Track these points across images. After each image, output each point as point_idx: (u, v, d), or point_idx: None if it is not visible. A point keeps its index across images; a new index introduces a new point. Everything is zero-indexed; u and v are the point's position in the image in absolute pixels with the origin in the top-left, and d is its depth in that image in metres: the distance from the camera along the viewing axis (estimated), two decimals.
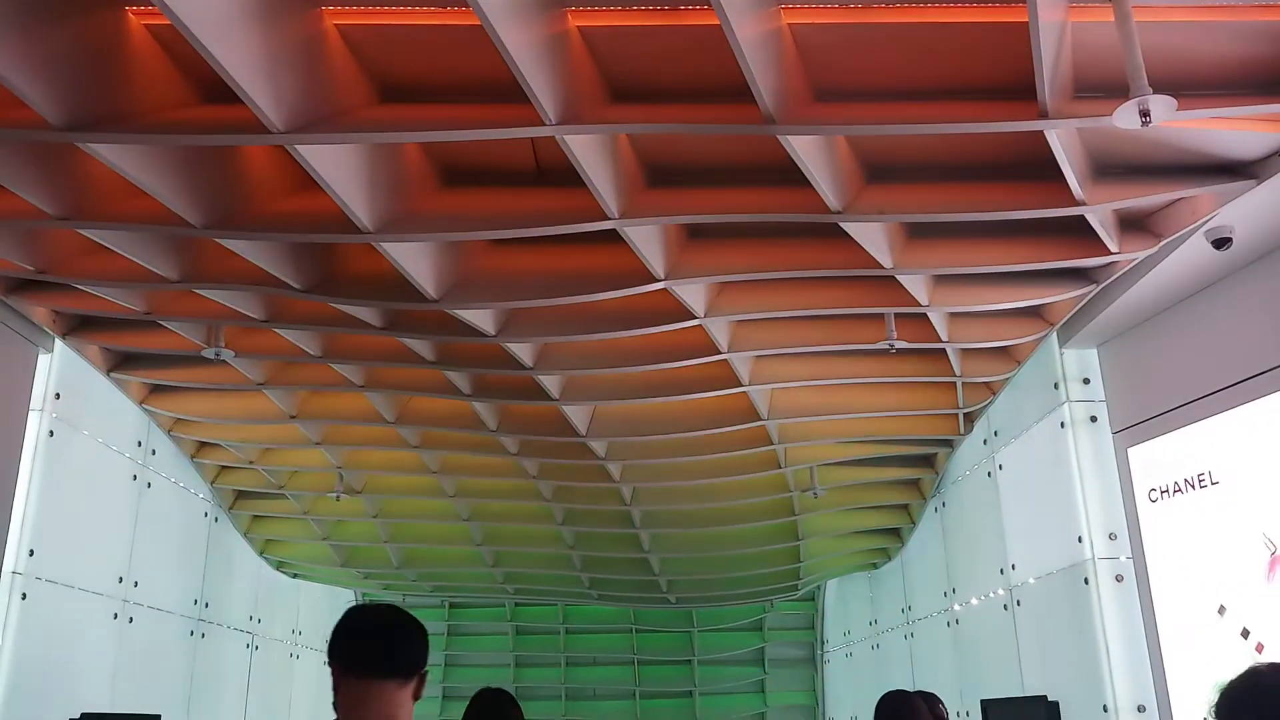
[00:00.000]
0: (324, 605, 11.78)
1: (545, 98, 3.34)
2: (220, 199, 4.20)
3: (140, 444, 7.49)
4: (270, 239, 4.52)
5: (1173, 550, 5.68)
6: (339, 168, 3.80)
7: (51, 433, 6.38)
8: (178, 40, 3.18)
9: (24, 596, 6.03)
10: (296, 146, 3.56)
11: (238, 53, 3.10)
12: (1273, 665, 2.43)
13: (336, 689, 1.98)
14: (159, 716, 7.22)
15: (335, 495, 8.54)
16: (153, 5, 2.87)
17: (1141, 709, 5.80)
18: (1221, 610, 5.31)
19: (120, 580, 7.16)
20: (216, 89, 3.55)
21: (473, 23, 3.04)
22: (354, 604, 2.19)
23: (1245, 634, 5.14)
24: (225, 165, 4.18)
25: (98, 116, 3.50)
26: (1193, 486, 5.55)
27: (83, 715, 6.40)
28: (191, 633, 8.31)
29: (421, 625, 2.09)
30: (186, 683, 8.19)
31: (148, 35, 3.58)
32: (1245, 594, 5.15)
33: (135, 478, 7.44)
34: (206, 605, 8.56)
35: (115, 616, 7.09)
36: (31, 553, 6.10)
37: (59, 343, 6.37)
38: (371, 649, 1.98)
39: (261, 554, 9.97)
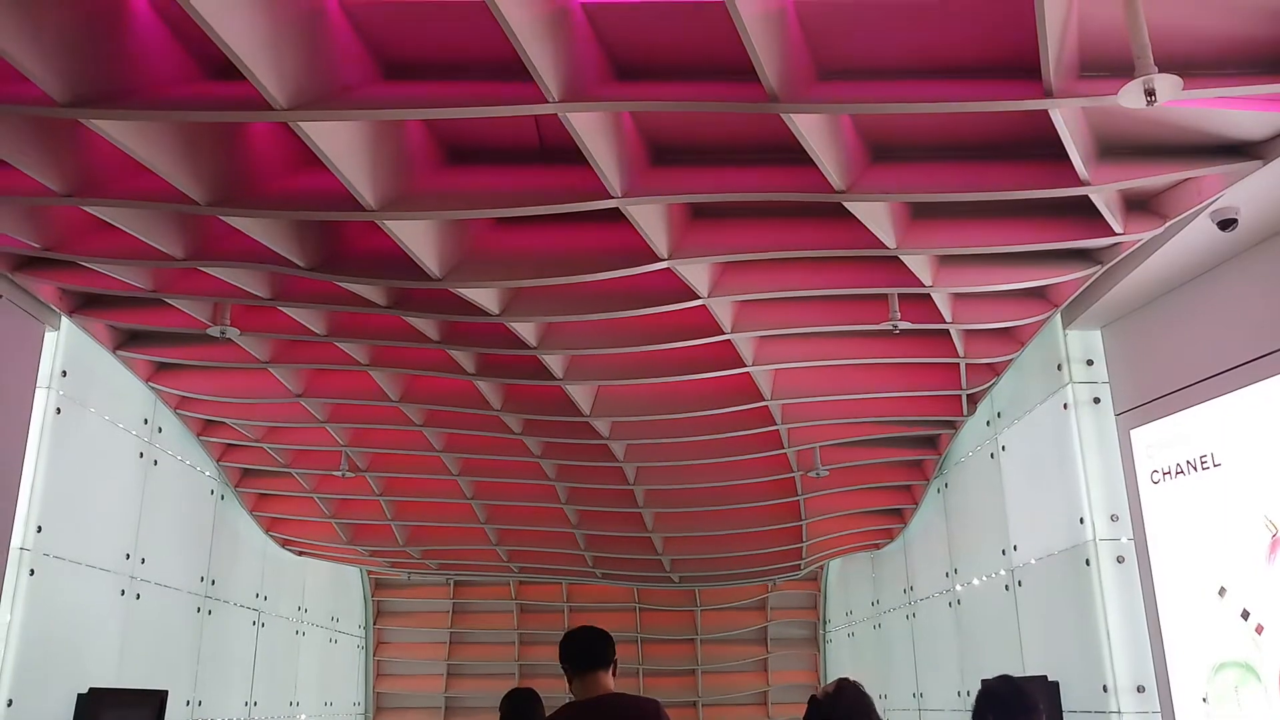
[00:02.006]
0: (329, 583, 11.87)
1: (548, 75, 3.34)
2: (224, 176, 4.21)
3: (147, 421, 7.52)
4: (275, 216, 4.52)
5: (1174, 532, 5.70)
6: (342, 145, 3.80)
7: (59, 410, 6.41)
8: (181, 15, 3.19)
9: (32, 572, 6.08)
10: (300, 123, 3.56)
11: (241, 28, 3.10)
12: (1000, 677, 4.11)
13: (570, 679, 3.36)
14: (166, 692, 7.30)
15: (341, 474, 8.59)
16: None
17: (1141, 689, 5.83)
18: (1222, 592, 5.32)
19: (127, 557, 7.21)
20: (220, 65, 3.57)
21: None
22: (569, 629, 3.52)
23: (1245, 615, 5.16)
24: (229, 142, 4.19)
25: (101, 92, 3.51)
26: (1195, 468, 5.55)
27: (90, 690, 6.47)
28: (198, 609, 8.37)
29: (608, 634, 3.43)
30: (193, 659, 8.26)
31: (150, 10, 3.58)
32: (1246, 576, 5.16)
33: (142, 455, 7.48)
34: (213, 582, 8.62)
35: (122, 593, 7.15)
36: (39, 529, 6.15)
37: (65, 320, 6.40)
38: (586, 655, 3.36)
39: (267, 532, 10.03)
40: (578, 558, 11.11)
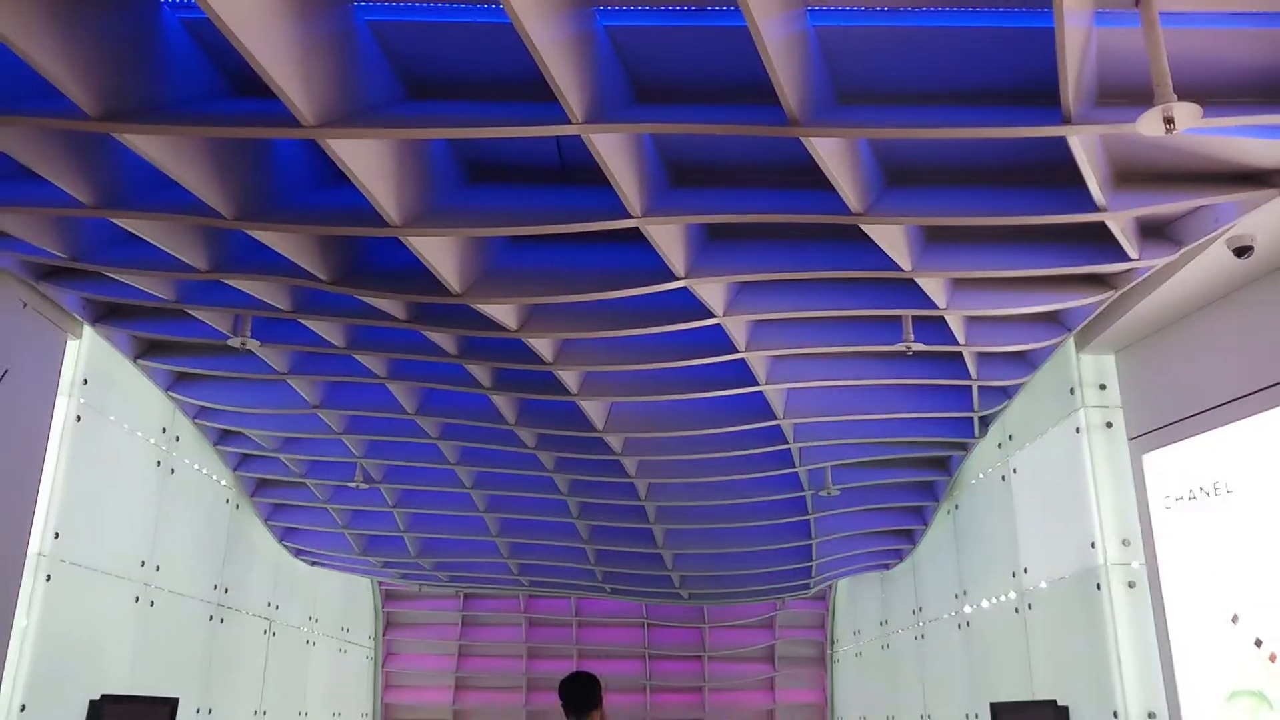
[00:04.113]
0: (341, 593, 11.90)
1: (572, 97, 3.39)
2: (250, 191, 4.27)
3: (165, 430, 7.59)
4: (299, 231, 4.58)
5: (1186, 558, 5.69)
6: (368, 162, 3.86)
7: (79, 417, 6.48)
8: (212, 32, 3.25)
9: (49, 578, 6.13)
10: (328, 140, 3.62)
11: (272, 47, 3.16)
12: None
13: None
14: (176, 700, 7.33)
15: (355, 485, 8.64)
16: None
17: (1152, 716, 5.81)
18: (1235, 619, 5.31)
19: (142, 564, 7.26)
20: (248, 82, 3.64)
21: (502, 21, 3.09)
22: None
23: (1259, 644, 5.15)
24: (257, 157, 4.25)
25: (133, 107, 3.57)
26: (1208, 494, 5.55)
27: (103, 697, 6.51)
28: (210, 617, 8.41)
29: (595, 679, 4.07)
30: (205, 666, 8.30)
31: (182, 28, 3.65)
32: (1259, 603, 5.15)
33: (159, 464, 7.54)
34: (226, 590, 8.66)
35: (137, 600, 7.19)
36: (57, 535, 6.21)
37: (88, 329, 6.47)
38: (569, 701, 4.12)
39: (281, 541, 10.08)
40: (588, 572, 11.12)
